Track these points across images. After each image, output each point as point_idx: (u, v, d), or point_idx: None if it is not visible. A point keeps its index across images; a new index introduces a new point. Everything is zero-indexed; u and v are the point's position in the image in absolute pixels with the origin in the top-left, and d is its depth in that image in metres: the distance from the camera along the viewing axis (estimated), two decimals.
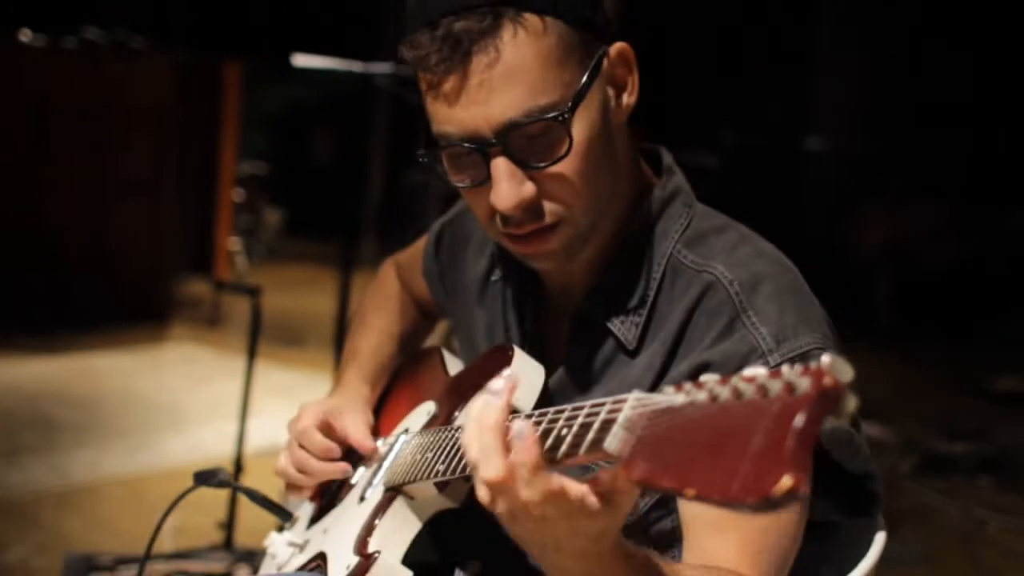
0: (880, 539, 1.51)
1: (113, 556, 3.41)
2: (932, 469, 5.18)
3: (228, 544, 3.42)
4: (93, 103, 6.83)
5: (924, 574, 3.92)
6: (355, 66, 3.88)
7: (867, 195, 9.58)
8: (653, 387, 1.40)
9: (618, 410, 1.02)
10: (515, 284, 1.60)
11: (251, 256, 8.96)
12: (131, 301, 7.05)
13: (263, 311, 3.47)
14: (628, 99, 1.44)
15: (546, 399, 1.46)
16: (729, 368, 1.32)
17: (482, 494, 1.11)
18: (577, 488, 1.06)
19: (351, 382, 1.82)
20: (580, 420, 1.07)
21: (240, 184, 8.84)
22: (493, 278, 1.65)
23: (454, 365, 1.76)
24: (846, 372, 0.86)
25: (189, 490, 1.71)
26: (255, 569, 3.33)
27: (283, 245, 10.71)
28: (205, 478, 1.71)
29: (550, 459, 1.08)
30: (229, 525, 3.41)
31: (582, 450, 1.04)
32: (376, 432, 1.74)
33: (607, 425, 1.01)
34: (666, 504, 1.43)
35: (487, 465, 1.08)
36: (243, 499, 3.44)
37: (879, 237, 9.10)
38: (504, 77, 1.30)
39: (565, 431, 1.08)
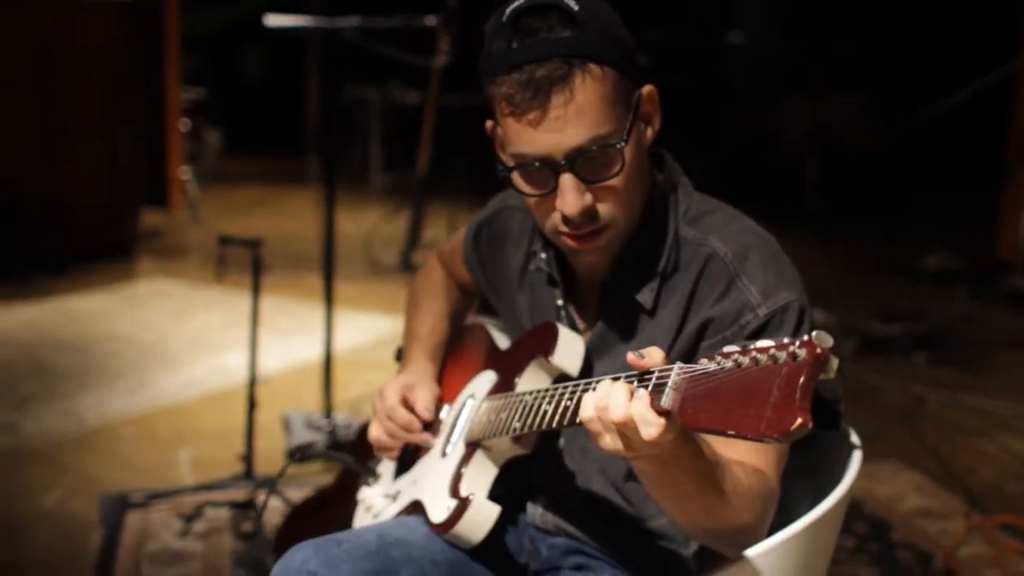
0: (858, 455, 1.92)
1: (144, 492, 3.72)
2: (871, 350, 5.51)
3: (248, 474, 3.76)
4: (41, 49, 6.93)
5: (870, 451, 4.24)
6: (323, 22, 4.13)
7: (791, 86, 9.95)
8: (673, 341, 1.77)
9: (666, 376, 1.37)
10: (550, 270, 1.94)
11: (200, 182, 9.20)
12: (95, 241, 7.25)
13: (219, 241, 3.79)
14: (653, 129, 1.80)
15: (587, 359, 1.86)
16: (728, 320, 1.72)
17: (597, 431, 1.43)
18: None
19: (418, 360, 2.19)
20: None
21: (185, 114, 9.04)
22: (531, 267, 2.01)
23: (501, 339, 2.14)
24: (828, 341, 1.24)
25: (287, 465, 2.10)
26: (273, 492, 3.69)
27: (222, 166, 10.90)
28: (301, 452, 2.07)
29: None
30: (248, 457, 3.75)
31: None
32: (440, 398, 2.12)
33: (660, 388, 1.37)
34: None
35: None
36: (259, 430, 3.78)
37: (805, 125, 9.47)
38: (576, 113, 1.64)
39: None
